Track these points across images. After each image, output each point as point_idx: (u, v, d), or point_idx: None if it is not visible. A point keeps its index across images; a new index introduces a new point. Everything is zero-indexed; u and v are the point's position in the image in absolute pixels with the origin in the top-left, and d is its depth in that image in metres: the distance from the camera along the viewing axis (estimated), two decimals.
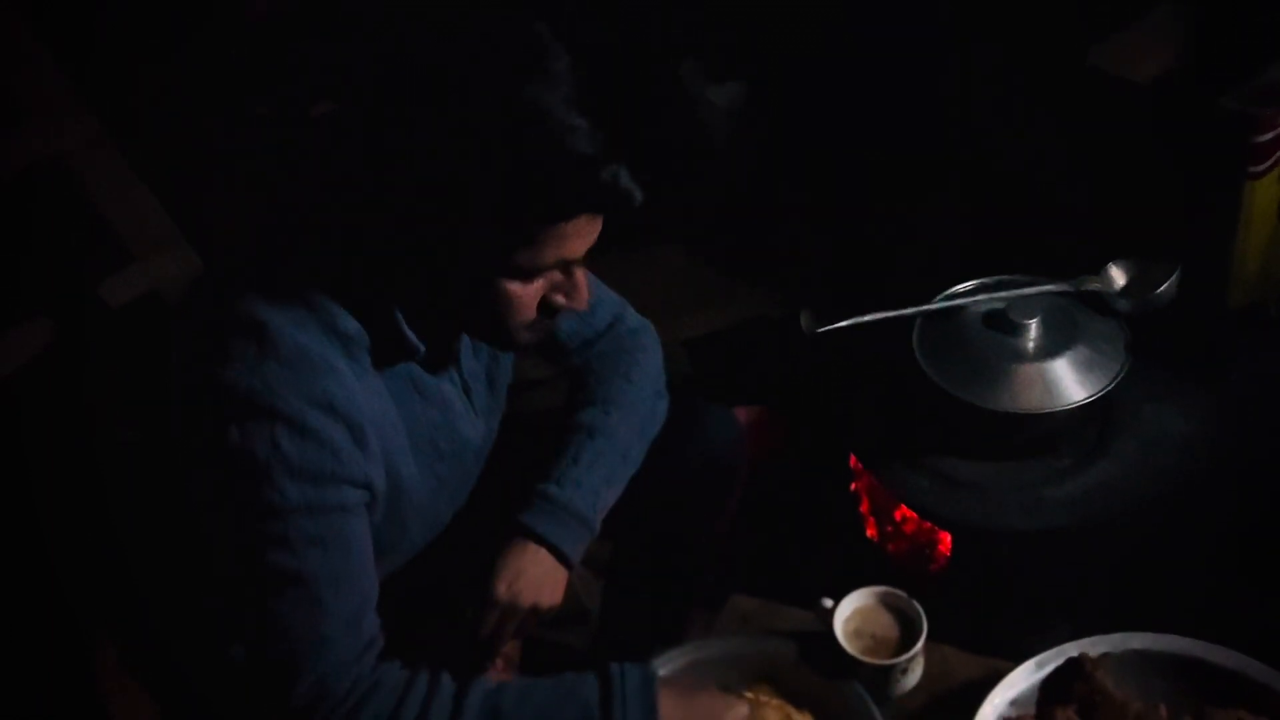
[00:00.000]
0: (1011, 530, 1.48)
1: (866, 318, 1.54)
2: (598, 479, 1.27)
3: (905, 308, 1.54)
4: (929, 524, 1.59)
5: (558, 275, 1.06)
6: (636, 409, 1.33)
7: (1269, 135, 1.37)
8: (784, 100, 2.28)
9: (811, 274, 2.08)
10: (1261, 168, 1.39)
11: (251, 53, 2.18)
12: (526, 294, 1.04)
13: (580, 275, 1.07)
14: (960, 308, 1.54)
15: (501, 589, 1.22)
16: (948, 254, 1.69)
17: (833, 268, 2.03)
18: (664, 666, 1.20)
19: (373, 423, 1.05)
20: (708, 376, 2.08)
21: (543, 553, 1.23)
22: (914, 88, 1.94)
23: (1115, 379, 1.45)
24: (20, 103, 1.90)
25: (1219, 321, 1.54)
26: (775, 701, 1.20)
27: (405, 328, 1.08)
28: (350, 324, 1.04)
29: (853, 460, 1.70)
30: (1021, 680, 1.16)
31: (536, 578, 1.23)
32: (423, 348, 1.10)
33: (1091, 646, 1.16)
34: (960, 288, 1.58)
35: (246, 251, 1.09)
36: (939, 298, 1.57)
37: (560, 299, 1.07)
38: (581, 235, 1.02)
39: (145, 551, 1.29)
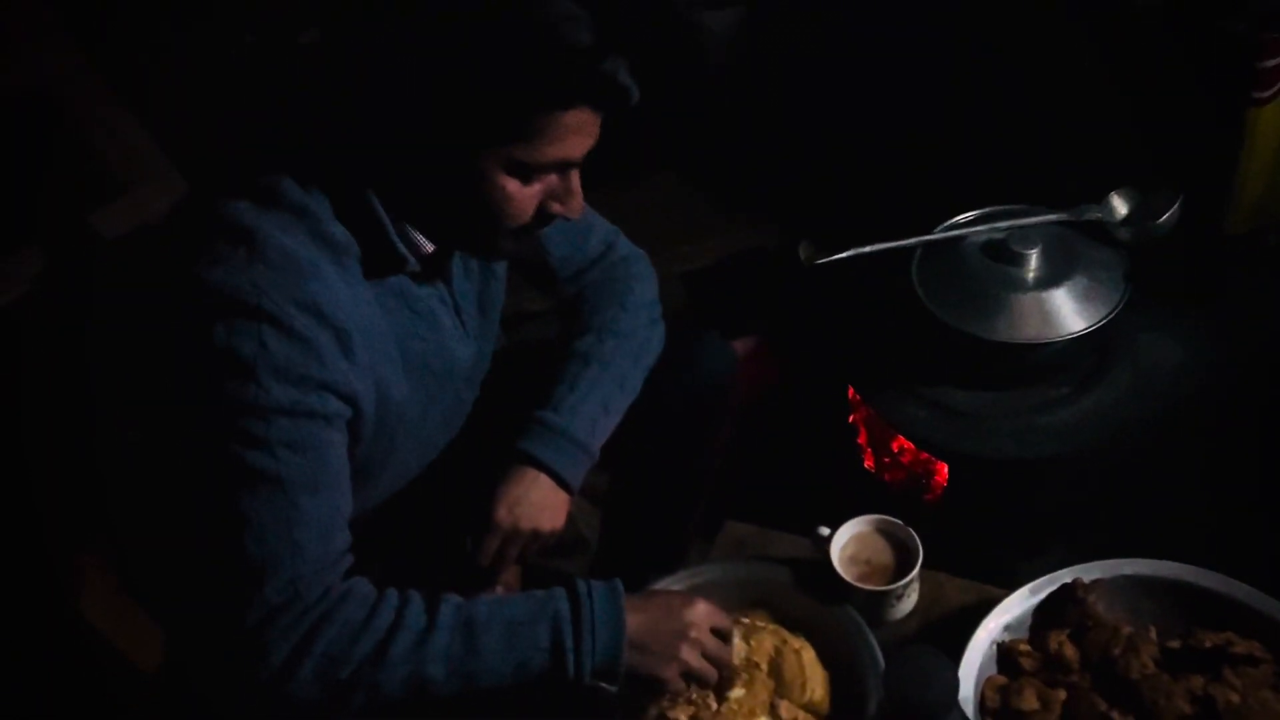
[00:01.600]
0: (1007, 458, 1.49)
1: (866, 249, 1.53)
2: (595, 405, 1.27)
3: (905, 238, 1.54)
4: (926, 454, 1.60)
5: (555, 180, 1.05)
6: (632, 336, 1.33)
7: (1275, 60, 1.35)
8: (783, 27, 2.24)
9: (810, 204, 2.06)
10: (1267, 93, 1.38)
11: None
12: (524, 196, 1.04)
13: (576, 182, 1.07)
14: (960, 238, 1.53)
15: (503, 514, 1.22)
16: (948, 184, 1.67)
17: (831, 198, 2.01)
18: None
19: (361, 331, 1.05)
20: (704, 308, 2.07)
21: (543, 478, 1.24)
22: (917, 17, 1.90)
23: (1114, 309, 1.45)
24: (4, 32, 1.87)
25: (1218, 249, 1.53)
26: (771, 627, 1.21)
27: (394, 237, 1.07)
28: (339, 230, 1.04)
29: (851, 392, 1.70)
30: (1016, 606, 1.17)
31: (537, 502, 1.23)
32: (412, 259, 1.09)
33: (1084, 572, 1.17)
34: (961, 218, 1.57)
35: (232, 160, 1.07)
36: (939, 228, 1.56)
37: (556, 206, 1.07)
38: (581, 133, 1.02)
39: (133, 473, 1.28)
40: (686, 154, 2.33)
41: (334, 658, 1.01)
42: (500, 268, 1.27)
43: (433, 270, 1.15)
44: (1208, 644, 1.10)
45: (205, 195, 1.05)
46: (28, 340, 1.76)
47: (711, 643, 1.12)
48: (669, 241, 2.12)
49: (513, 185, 1.03)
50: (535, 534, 1.24)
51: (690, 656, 1.10)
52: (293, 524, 1.01)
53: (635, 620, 1.09)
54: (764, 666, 1.17)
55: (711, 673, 1.13)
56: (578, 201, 1.07)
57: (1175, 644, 1.13)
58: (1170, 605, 1.17)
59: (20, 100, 1.85)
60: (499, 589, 1.48)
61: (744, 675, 1.17)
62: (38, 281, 1.83)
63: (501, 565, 1.26)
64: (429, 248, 1.12)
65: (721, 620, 1.14)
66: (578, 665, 1.06)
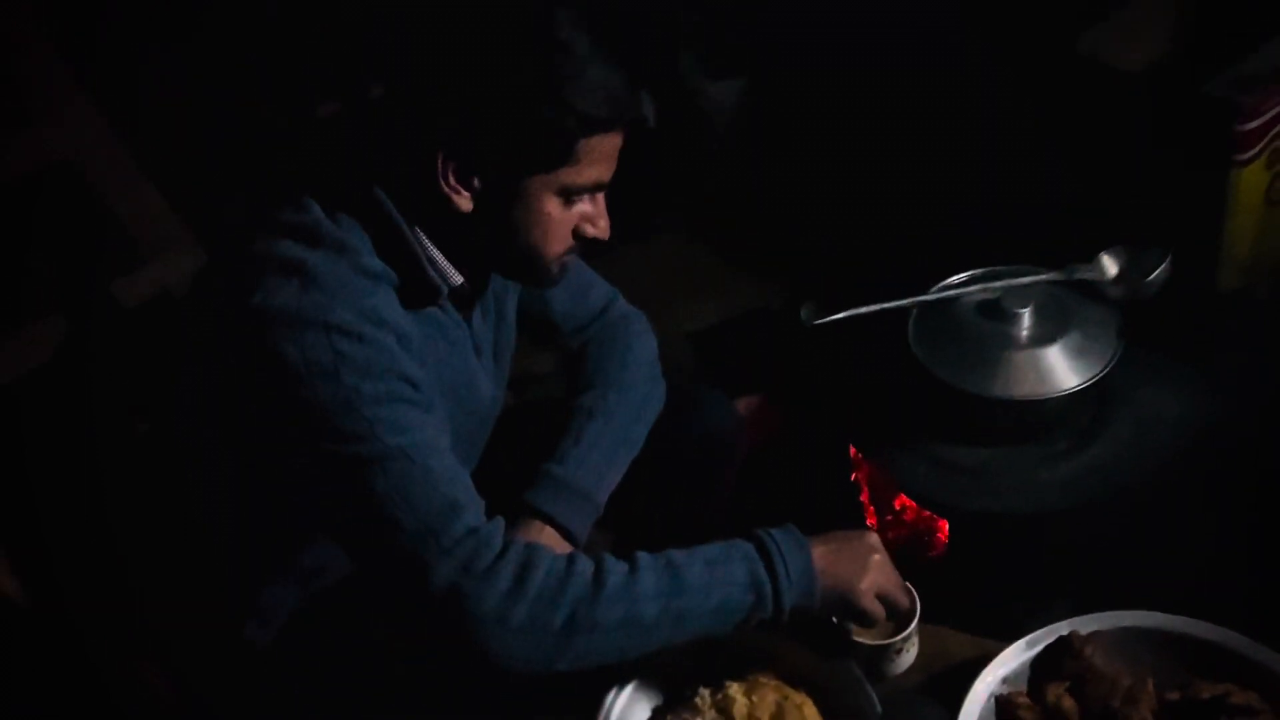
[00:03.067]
0: (1008, 514, 1.50)
1: (864, 309, 1.57)
2: (600, 458, 1.31)
3: (901, 299, 1.57)
4: (928, 512, 1.62)
5: (588, 204, 1.14)
6: (634, 391, 1.37)
7: (1255, 123, 1.40)
8: (782, 97, 2.30)
9: (811, 266, 2.11)
10: (1247, 155, 1.42)
11: (257, 54, 2.21)
12: (565, 219, 1.13)
13: (603, 205, 1.15)
14: (955, 298, 1.57)
15: None
16: (943, 246, 1.71)
17: (831, 260, 2.05)
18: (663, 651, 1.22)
19: (416, 339, 1.11)
20: (709, 367, 2.11)
21: (548, 530, 1.26)
22: (910, 85, 1.96)
23: (1108, 365, 1.48)
24: (30, 104, 1.94)
25: (1210, 305, 1.56)
26: (773, 682, 1.22)
27: (428, 267, 1.13)
28: (376, 263, 1.10)
29: (852, 450, 1.72)
30: (1013, 658, 1.18)
31: None
32: (445, 287, 1.15)
33: (1081, 625, 1.19)
34: (955, 278, 1.60)
35: (271, 203, 1.12)
36: (934, 288, 1.59)
37: (589, 228, 1.15)
38: (612, 158, 1.12)
39: (153, 546, 1.32)
40: (691, 217, 2.38)
41: (547, 600, 1.03)
42: (510, 314, 1.33)
43: (459, 306, 1.21)
44: (1205, 695, 1.11)
45: (247, 239, 1.10)
46: (50, 405, 1.80)
47: (892, 569, 1.17)
48: (674, 301, 2.17)
49: (556, 209, 1.11)
50: None
51: (880, 575, 1.15)
52: (437, 483, 1.04)
53: (820, 549, 1.13)
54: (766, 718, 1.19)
55: (900, 597, 1.18)
56: (606, 223, 1.16)
57: (1174, 695, 1.14)
58: (1169, 657, 1.18)
59: (44, 171, 1.91)
60: None
61: None
62: (59, 349, 1.88)
63: None
64: (457, 279, 1.17)
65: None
66: (777, 595, 1.10)
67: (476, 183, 1.09)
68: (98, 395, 1.83)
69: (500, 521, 1.09)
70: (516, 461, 1.32)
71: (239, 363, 1.06)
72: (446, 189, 1.08)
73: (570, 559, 1.06)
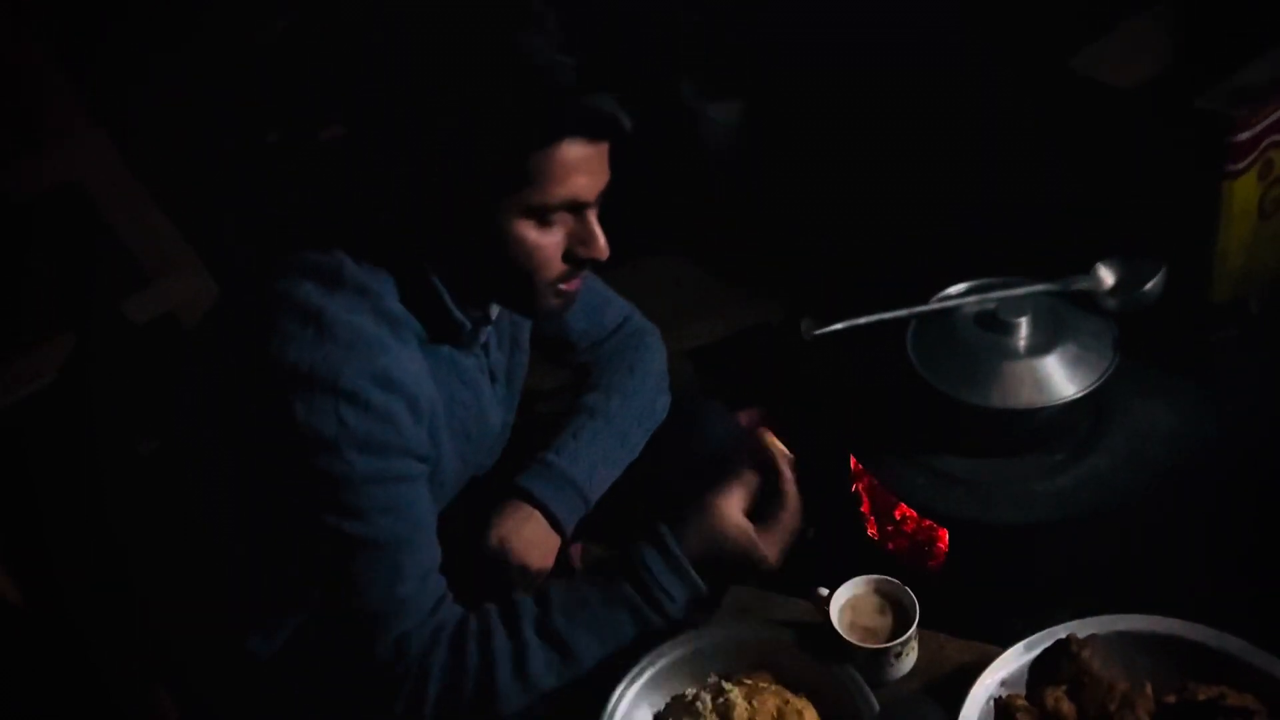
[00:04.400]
0: (1007, 524, 1.51)
1: (861, 320, 1.58)
2: (595, 455, 1.32)
3: (899, 310, 1.59)
4: (928, 522, 1.63)
5: (572, 223, 1.10)
6: (637, 397, 1.38)
7: (1245, 135, 1.41)
8: (780, 112, 2.33)
9: (809, 281, 2.13)
10: (1239, 166, 1.43)
11: (261, 79, 2.24)
12: (547, 243, 1.09)
13: (594, 223, 1.11)
14: (953, 309, 1.58)
15: (493, 541, 1.26)
16: (939, 257, 1.73)
17: (829, 273, 2.07)
18: (665, 656, 1.23)
19: (425, 399, 1.11)
20: (711, 383, 2.12)
21: (537, 515, 1.28)
22: (907, 99, 1.98)
23: (1104, 375, 1.49)
24: (38, 128, 1.97)
25: (1204, 317, 1.57)
26: (773, 688, 1.23)
27: (450, 304, 1.13)
28: (398, 308, 1.10)
29: (853, 461, 1.74)
30: (1011, 662, 1.19)
31: (528, 538, 1.27)
32: (469, 324, 1.16)
33: (1079, 628, 1.19)
34: (952, 289, 1.62)
35: (290, 242, 1.13)
36: (932, 300, 1.61)
37: (582, 250, 1.12)
38: (583, 170, 1.07)
39: (157, 560, 1.33)
40: (692, 236, 2.40)
41: (449, 703, 1.09)
42: (525, 340, 1.34)
43: (475, 339, 1.22)
44: (1202, 697, 1.12)
45: (267, 278, 1.10)
46: (56, 423, 1.82)
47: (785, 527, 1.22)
48: (676, 320, 2.18)
49: (532, 233, 1.08)
50: (523, 570, 1.28)
51: (770, 544, 1.19)
52: (394, 582, 1.07)
53: (700, 550, 1.16)
54: None
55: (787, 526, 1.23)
56: (600, 243, 1.12)
57: (1171, 699, 1.15)
58: (1166, 660, 1.18)
59: (55, 195, 1.93)
60: None
61: None
62: (64, 368, 1.89)
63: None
64: (477, 312, 1.19)
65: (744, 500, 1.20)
66: (668, 621, 1.14)
67: (453, 216, 1.08)
68: (103, 413, 1.85)
69: (433, 622, 1.11)
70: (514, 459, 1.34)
71: (249, 405, 1.07)
72: (424, 220, 1.09)
73: (462, 653, 1.10)
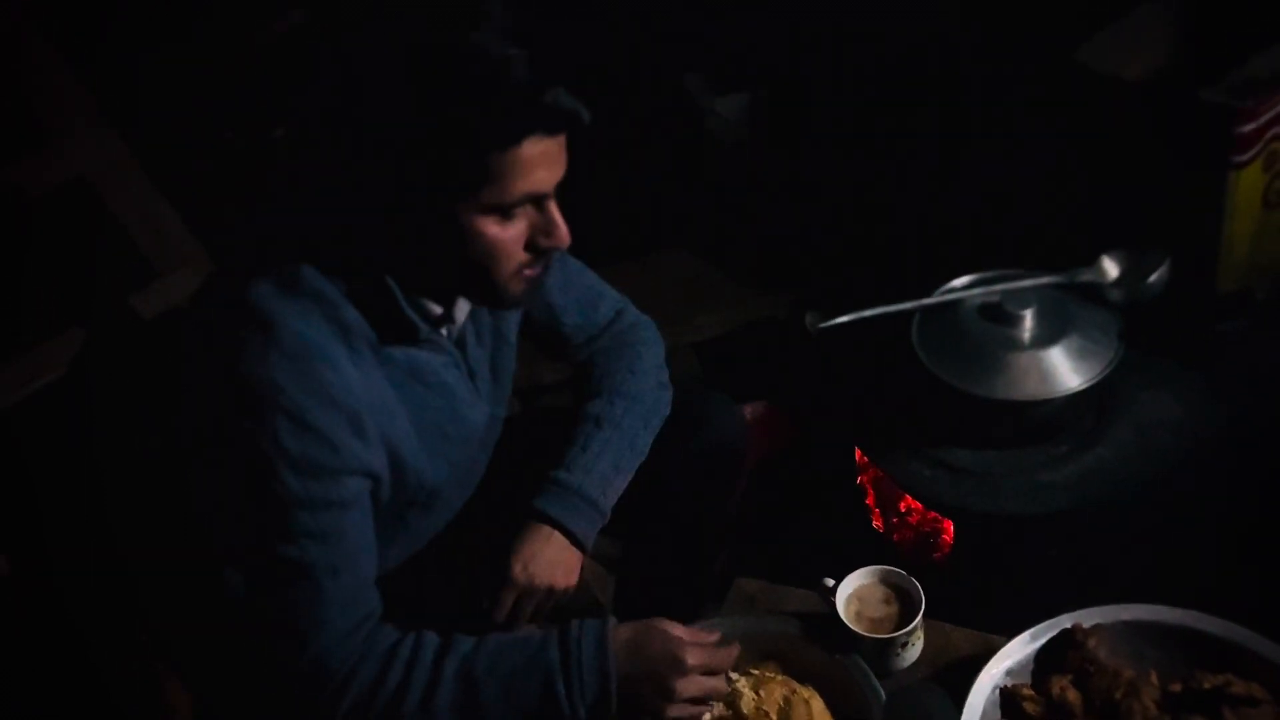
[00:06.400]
0: (1011, 515, 1.52)
1: (866, 313, 1.59)
2: (607, 465, 1.32)
3: (905, 303, 1.59)
4: (933, 514, 1.63)
5: (533, 213, 1.09)
6: (641, 399, 1.38)
7: (1250, 126, 1.41)
8: (787, 111, 2.33)
9: (815, 275, 2.13)
10: (1245, 157, 1.43)
11: (269, 75, 2.24)
12: (507, 236, 1.08)
13: (554, 212, 1.11)
14: (958, 301, 1.59)
15: (517, 570, 1.27)
16: (945, 250, 1.74)
17: (835, 267, 2.08)
18: None
19: (373, 411, 1.11)
20: (717, 377, 2.12)
21: (556, 535, 1.28)
22: (912, 92, 1.99)
23: (1109, 366, 1.50)
24: (47, 124, 1.97)
25: (1209, 307, 1.57)
26: (780, 677, 1.24)
27: (405, 306, 1.13)
28: (351, 314, 1.10)
29: (858, 454, 1.74)
30: (1017, 651, 1.20)
31: (551, 559, 1.28)
32: (423, 325, 1.15)
33: (1084, 618, 1.20)
34: (957, 282, 1.62)
35: (253, 247, 1.14)
36: (937, 292, 1.61)
37: (543, 239, 1.11)
38: (542, 164, 1.06)
39: (154, 555, 1.34)
40: (699, 230, 2.40)
41: (358, 716, 1.09)
42: (511, 333, 1.33)
43: (439, 338, 1.21)
44: (1206, 685, 1.13)
45: (233, 278, 1.12)
46: (65, 420, 1.82)
47: (700, 684, 1.14)
48: (682, 314, 2.19)
49: (493, 228, 1.07)
50: (550, 591, 1.29)
51: (684, 689, 1.12)
52: (315, 604, 1.09)
53: (627, 661, 1.12)
54: (774, 716, 1.20)
55: (698, 712, 1.16)
56: (561, 231, 1.11)
57: (1176, 687, 1.15)
58: (1171, 649, 1.19)
59: (62, 190, 1.94)
60: None
61: None
62: (74, 363, 1.90)
63: (517, 621, 1.30)
64: (437, 309, 1.18)
65: (709, 657, 1.15)
66: (572, 708, 1.10)
67: (408, 217, 1.07)
68: (112, 408, 1.86)
69: (356, 640, 1.11)
70: (522, 468, 1.34)
71: (197, 412, 1.10)
72: (394, 226, 1.08)
73: (385, 670, 1.10)
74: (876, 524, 1.76)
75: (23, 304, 1.91)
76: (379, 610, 1.14)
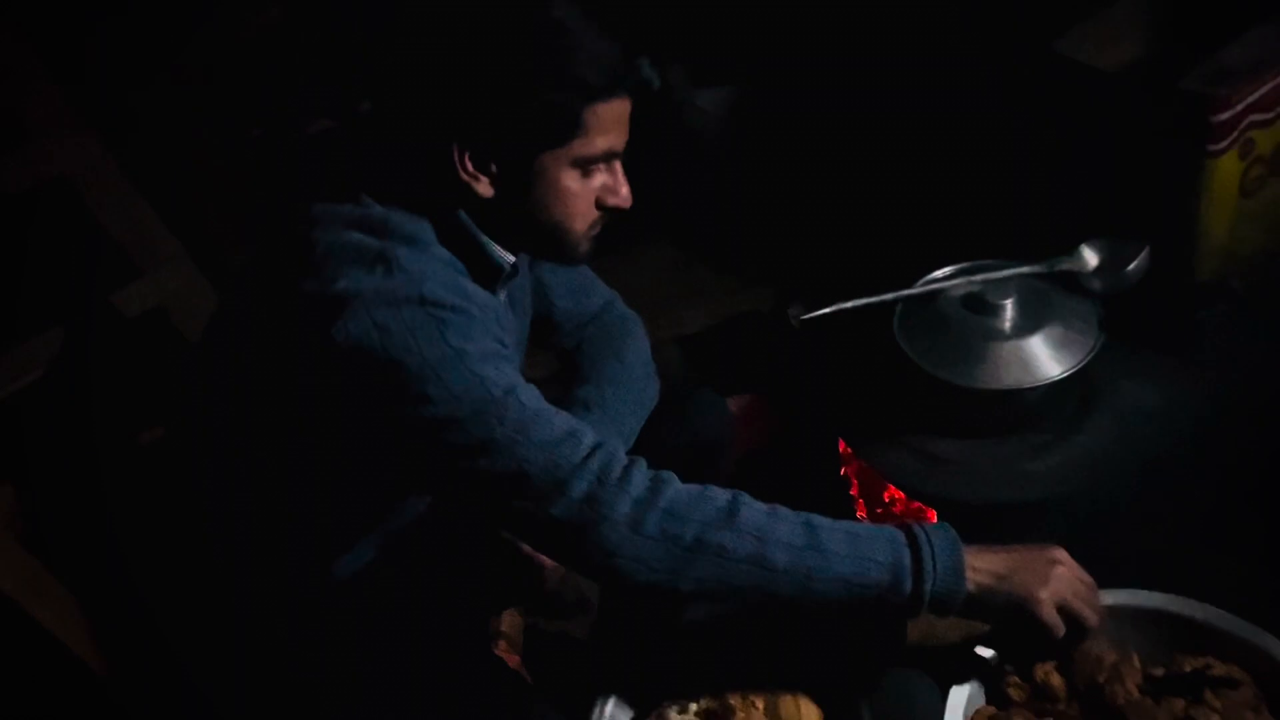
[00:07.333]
0: (994, 503, 1.53)
1: (848, 304, 1.59)
2: None
3: (886, 294, 1.60)
4: (917, 504, 1.64)
5: (605, 174, 1.16)
6: (630, 386, 1.40)
7: (1226, 114, 1.42)
8: (769, 104, 2.34)
9: (797, 268, 2.14)
10: (1220, 146, 1.44)
11: (246, 74, 2.24)
12: (586, 191, 1.16)
13: (621, 174, 1.18)
14: (939, 291, 1.60)
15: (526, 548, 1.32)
16: (926, 241, 1.75)
17: (817, 260, 2.08)
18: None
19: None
20: (701, 370, 2.13)
21: None
22: (891, 84, 1.99)
23: (1089, 354, 1.51)
24: (26, 124, 1.96)
25: (1188, 296, 1.59)
26: None
27: (490, 246, 1.17)
28: (444, 252, 1.13)
29: (842, 445, 1.75)
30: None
31: None
32: (506, 266, 1.19)
33: None
34: (938, 273, 1.63)
35: (327, 202, 1.13)
36: (918, 283, 1.62)
37: (611, 199, 1.18)
38: (621, 125, 1.15)
39: (158, 548, 1.33)
40: (683, 224, 2.41)
41: (679, 514, 1.04)
42: (528, 304, 1.36)
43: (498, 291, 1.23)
44: (1188, 668, 1.14)
45: (307, 232, 1.10)
46: (49, 418, 1.82)
47: (1085, 579, 1.11)
48: (667, 308, 2.20)
49: (575, 182, 1.14)
50: (550, 569, 1.34)
51: (1063, 586, 1.08)
52: (551, 416, 1.06)
53: (992, 555, 1.08)
54: (760, 706, 1.21)
55: (1090, 613, 1.10)
56: (625, 191, 1.18)
57: (1159, 670, 1.17)
58: (1153, 633, 1.20)
59: (42, 190, 1.93)
60: (501, 643, 1.52)
61: (741, 715, 1.20)
62: (54, 363, 1.90)
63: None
64: (510, 259, 1.21)
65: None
66: (918, 581, 1.05)
67: (494, 167, 1.12)
68: (99, 406, 1.85)
69: (620, 442, 1.13)
70: None
71: (318, 347, 1.04)
72: (465, 177, 1.12)
73: (702, 486, 1.07)
74: (861, 514, 1.77)
75: (1, 304, 1.90)
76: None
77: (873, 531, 1.08)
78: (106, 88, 2.11)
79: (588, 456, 1.05)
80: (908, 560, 1.06)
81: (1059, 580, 1.09)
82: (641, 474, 1.06)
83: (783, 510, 1.08)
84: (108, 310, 1.93)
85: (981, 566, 1.08)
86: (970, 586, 1.07)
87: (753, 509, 1.06)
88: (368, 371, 1.04)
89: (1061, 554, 1.12)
